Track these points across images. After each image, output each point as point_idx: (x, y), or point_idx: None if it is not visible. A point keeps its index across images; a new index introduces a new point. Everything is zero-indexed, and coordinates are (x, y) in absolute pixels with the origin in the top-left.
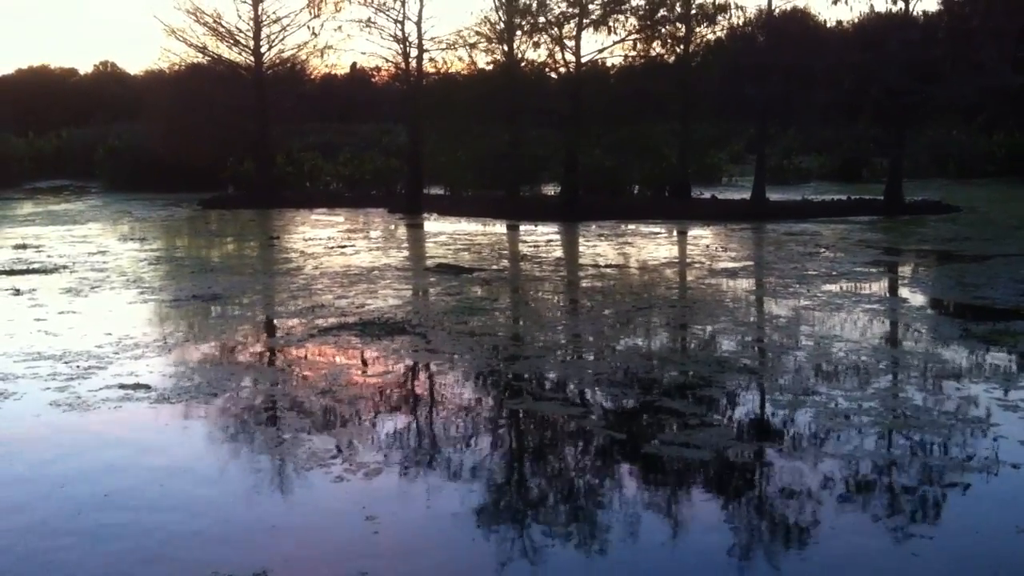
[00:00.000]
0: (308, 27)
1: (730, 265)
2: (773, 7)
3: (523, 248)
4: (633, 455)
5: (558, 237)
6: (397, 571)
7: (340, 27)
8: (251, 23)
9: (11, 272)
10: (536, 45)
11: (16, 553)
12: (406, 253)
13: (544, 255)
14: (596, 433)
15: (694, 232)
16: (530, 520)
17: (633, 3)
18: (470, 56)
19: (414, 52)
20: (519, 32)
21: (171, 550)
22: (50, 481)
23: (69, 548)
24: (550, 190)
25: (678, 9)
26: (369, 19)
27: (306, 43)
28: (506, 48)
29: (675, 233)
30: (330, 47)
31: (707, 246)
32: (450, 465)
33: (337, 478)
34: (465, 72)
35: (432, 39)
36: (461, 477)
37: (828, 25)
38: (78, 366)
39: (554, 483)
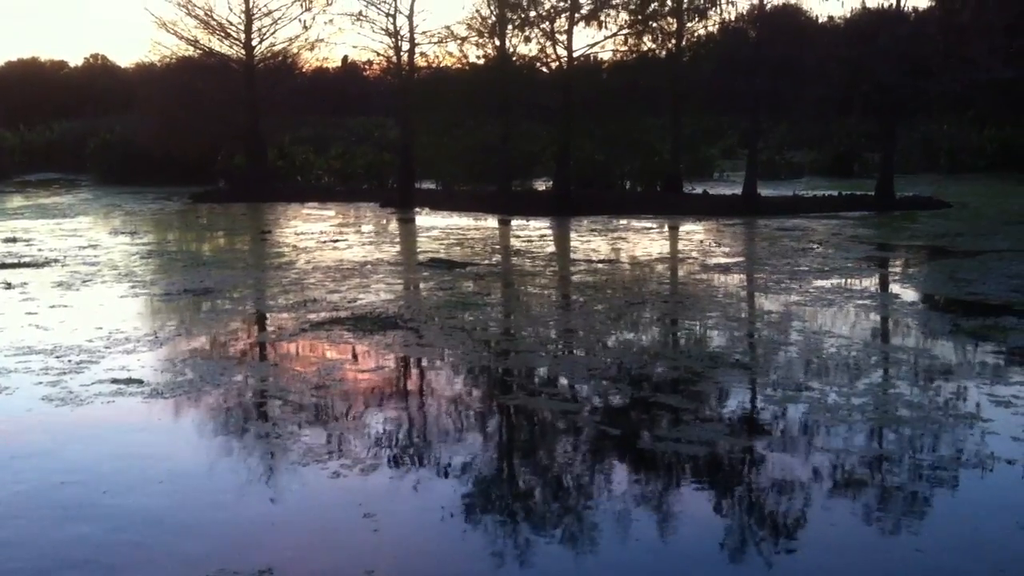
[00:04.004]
0: (299, 20)
1: (722, 260)
2: (765, 1)
3: (515, 243)
4: (626, 451)
5: (550, 232)
6: (401, 569)
7: (331, 20)
8: (242, 16)
9: (1, 266)
10: (527, 39)
11: (16, 551)
12: (398, 248)
13: (536, 250)
14: (589, 429)
15: (686, 227)
16: (527, 515)
17: None
18: (461, 50)
19: (405, 46)
20: (510, 26)
21: (173, 547)
22: (47, 479)
23: (68, 546)
24: (541, 185)
25: (669, 4)
26: (360, 12)
27: (297, 36)
28: (497, 42)
29: (667, 228)
30: (321, 40)
31: (699, 241)
32: (444, 461)
33: (333, 474)
34: (456, 66)
35: (424, 33)
36: (456, 473)
37: (819, 20)
38: (70, 360)
39: (549, 478)
